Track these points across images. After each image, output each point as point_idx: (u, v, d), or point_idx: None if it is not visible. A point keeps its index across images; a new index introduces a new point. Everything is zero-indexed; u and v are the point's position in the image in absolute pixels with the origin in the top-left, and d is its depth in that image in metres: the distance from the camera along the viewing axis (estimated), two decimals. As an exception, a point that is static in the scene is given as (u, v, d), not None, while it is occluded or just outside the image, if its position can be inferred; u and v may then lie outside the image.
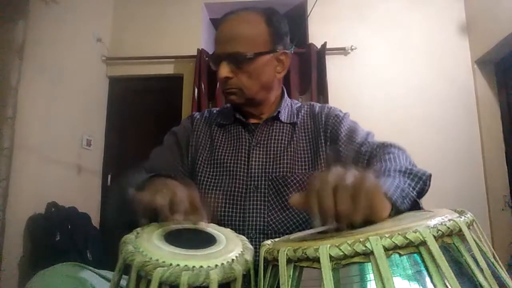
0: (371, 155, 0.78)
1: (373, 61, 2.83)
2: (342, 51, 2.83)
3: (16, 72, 1.99)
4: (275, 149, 0.86)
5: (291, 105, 0.96)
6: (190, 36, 2.96)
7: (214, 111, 1.00)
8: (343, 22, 2.89)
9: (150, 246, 0.45)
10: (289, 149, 0.86)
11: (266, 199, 0.81)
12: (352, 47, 2.82)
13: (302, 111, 0.94)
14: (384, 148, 0.77)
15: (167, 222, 0.53)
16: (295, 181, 0.82)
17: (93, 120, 2.77)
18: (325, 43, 2.77)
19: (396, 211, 0.54)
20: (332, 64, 2.76)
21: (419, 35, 2.84)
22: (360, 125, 0.90)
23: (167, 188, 0.57)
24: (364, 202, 0.44)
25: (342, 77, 2.79)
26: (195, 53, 2.80)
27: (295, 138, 0.88)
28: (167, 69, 2.95)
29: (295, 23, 2.81)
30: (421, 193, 0.66)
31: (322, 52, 2.76)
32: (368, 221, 0.47)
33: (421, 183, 0.65)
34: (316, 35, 2.86)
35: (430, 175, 0.67)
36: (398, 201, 0.54)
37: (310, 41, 2.83)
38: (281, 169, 0.83)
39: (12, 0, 2.03)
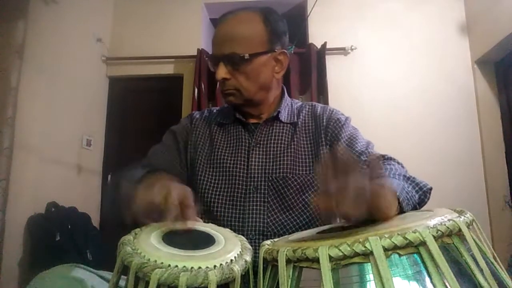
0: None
1: (373, 61, 2.83)
2: (342, 51, 2.82)
3: (16, 72, 1.99)
4: (275, 149, 0.86)
5: (292, 104, 0.95)
6: (190, 36, 2.96)
7: (214, 111, 0.99)
8: (343, 22, 2.89)
9: (148, 247, 0.45)
10: (289, 150, 0.86)
11: (266, 200, 0.81)
12: (352, 47, 2.82)
13: (304, 111, 0.93)
14: (384, 160, 0.77)
15: (165, 223, 0.53)
16: (295, 182, 0.81)
17: (93, 120, 2.76)
18: (325, 43, 2.77)
19: (399, 211, 0.54)
20: (332, 64, 2.76)
21: (419, 35, 2.83)
22: (360, 132, 0.90)
23: (161, 186, 0.57)
24: (365, 201, 0.44)
25: (342, 77, 2.79)
26: (195, 53, 2.79)
27: (295, 139, 0.88)
28: (167, 69, 2.95)
29: (295, 23, 2.81)
30: (420, 204, 0.66)
31: (322, 52, 2.75)
32: (374, 220, 0.47)
33: (421, 193, 0.65)
34: (316, 35, 2.86)
35: (431, 188, 0.68)
36: (404, 202, 0.55)
37: (310, 41, 2.83)
38: (281, 170, 0.83)
39: (12, 0, 2.03)
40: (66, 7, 2.39)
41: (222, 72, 0.82)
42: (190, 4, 3.03)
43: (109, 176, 2.80)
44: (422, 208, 0.66)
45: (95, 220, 2.53)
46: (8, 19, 2.01)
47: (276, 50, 0.85)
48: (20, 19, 2.03)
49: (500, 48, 2.47)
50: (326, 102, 2.62)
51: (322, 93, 2.67)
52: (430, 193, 0.68)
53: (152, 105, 2.96)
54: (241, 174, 0.84)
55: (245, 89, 0.84)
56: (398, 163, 0.77)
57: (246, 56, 0.80)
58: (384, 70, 2.80)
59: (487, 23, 2.56)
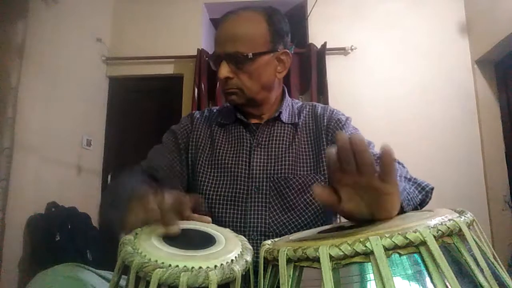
0: None
1: (373, 61, 2.83)
2: (342, 51, 2.83)
3: (16, 72, 1.99)
4: (277, 150, 0.86)
5: (292, 105, 0.95)
6: (190, 36, 2.96)
7: (214, 110, 0.99)
8: (343, 22, 2.89)
9: (149, 247, 0.45)
10: (290, 150, 0.86)
11: (268, 200, 0.81)
12: (352, 47, 2.82)
13: (304, 112, 0.93)
14: None
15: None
16: (297, 182, 0.81)
17: (93, 120, 2.77)
18: (325, 43, 2.77)
19: (400, 212, 0.54)
20: (332, 64, 2.76)
21: (419, 35, 2.84)
22: (361, 132, 0.90)
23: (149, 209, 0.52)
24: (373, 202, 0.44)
25: (342, 77, 2.79)
26: (195, 53, 2.80)
27: (296, 139, 0.88)
28: (167, 69, 2.95)
29: (295, 23, 2.81)
30: (422, 204, 0.66)
31: (322, 52, 2.76)
32: (374, 219, 0.47)
33: (423, 193, 0.65)
34: (316, 35, 2.86)
35: (433, 188, 0.68)
36: (404, 203, 0.54)
37: (310, 41, 2.83)
38: (283, 170, 0.83)
39: (12, 0, 2.03)
40: (66, 7, 2.39)
41: (224, 71, 0.81)
42: (190, 4, 3.03)
43: (109, 176, 2.80)
44: (423, 208, 0.66)
45: (95, 220, 2.53)
46: (8, 19, 2.01)
47: (278, 50, 0.85)
48: (20, 19, 2.03)
49: (500, 48, 2.47)
50: (326, 102, 2.62)
51: (322, 93, 2.68)
52: (432, 193, 0.68)
53: (152, 105, 2.97)
54: (243, 175, 0.84)
55: (248, 88, 0.84)
56: (399, 163, 0.77)
57: (250, 55, 0.80)
58: (384, 70, 2.81)
59: (487, 23, 2.57)
